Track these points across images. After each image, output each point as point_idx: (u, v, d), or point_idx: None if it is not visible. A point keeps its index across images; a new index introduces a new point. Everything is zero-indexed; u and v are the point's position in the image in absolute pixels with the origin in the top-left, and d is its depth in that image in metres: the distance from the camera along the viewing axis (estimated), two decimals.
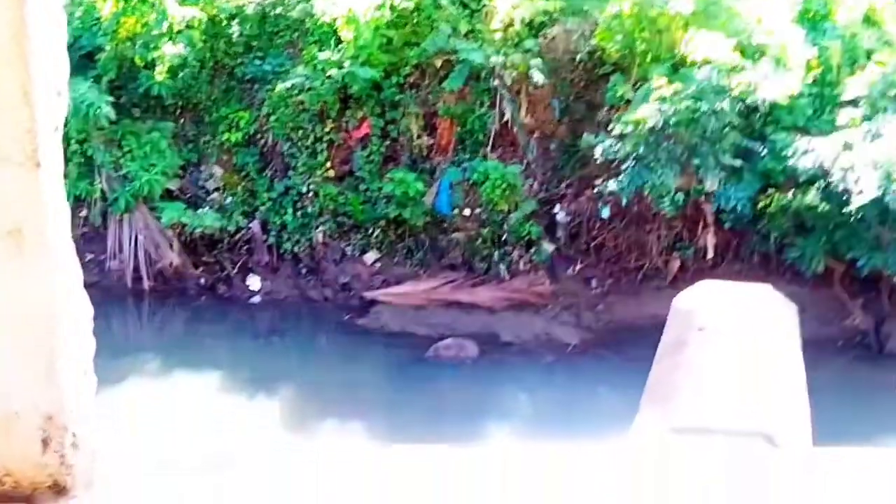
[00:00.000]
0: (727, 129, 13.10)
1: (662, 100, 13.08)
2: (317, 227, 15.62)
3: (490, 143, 15.42)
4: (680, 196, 13.21)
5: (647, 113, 13.03)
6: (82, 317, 1.89)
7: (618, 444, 2.93)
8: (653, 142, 13.14)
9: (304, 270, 15.55)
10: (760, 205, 13.50)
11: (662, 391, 3.51)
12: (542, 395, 11.94)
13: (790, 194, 13.10)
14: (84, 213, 16.12)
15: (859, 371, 12.75)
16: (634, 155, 13.20)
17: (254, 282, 15.45)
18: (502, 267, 14.98)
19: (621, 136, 13.39)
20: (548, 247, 15.03)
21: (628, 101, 14.27)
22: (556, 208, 15.21)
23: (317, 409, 11.08)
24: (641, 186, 13.41)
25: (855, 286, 13.72)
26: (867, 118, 13.09)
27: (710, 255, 14.28)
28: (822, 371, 12.64)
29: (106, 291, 15.33)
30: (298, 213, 15.64)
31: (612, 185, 13.67)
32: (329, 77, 14.95)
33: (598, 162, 14.54)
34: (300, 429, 10.51)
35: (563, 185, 15.35)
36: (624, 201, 13.77)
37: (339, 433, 10.47)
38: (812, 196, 12.80)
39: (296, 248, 15.56)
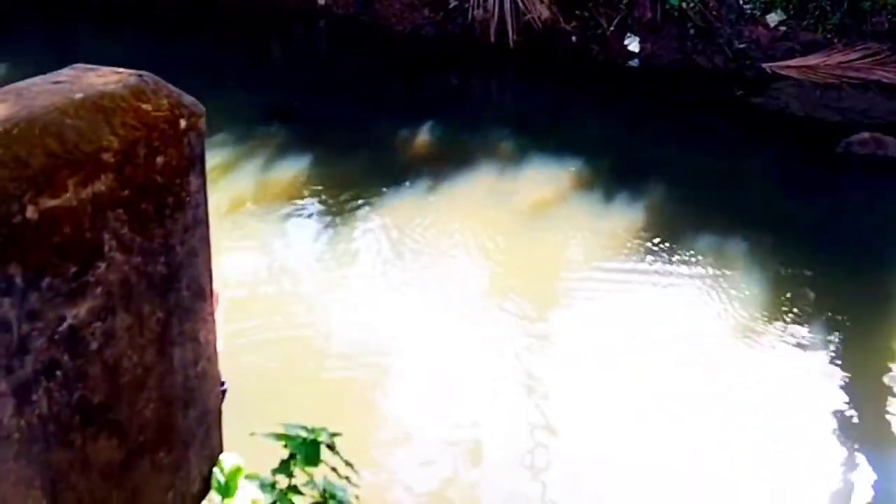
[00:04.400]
0: None
1: None
2: None
3: None
4: None
5: None
6: None
7: None
8: None
9: (691, 31, 13.71)
10: None
11: None
12: None
13: None
14: None
15: None
16: None
17: (632, 43, 14.01)
18: None
19: None
20: None
21: None
22: None
23: (688, 217, 9.66)
24: None
25: None
26: None
27: None
28: None
29: (469, 46, 14.62)
30: None
31: None
32: None
33: None
34: (667, 243, 9.28)
35: None
36: None
37: (713, 251, 9.11)
38: None
39: (684, 4, 13.73)
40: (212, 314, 3.41)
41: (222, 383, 4.90)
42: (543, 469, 6.71)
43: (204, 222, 3.35)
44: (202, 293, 3.34)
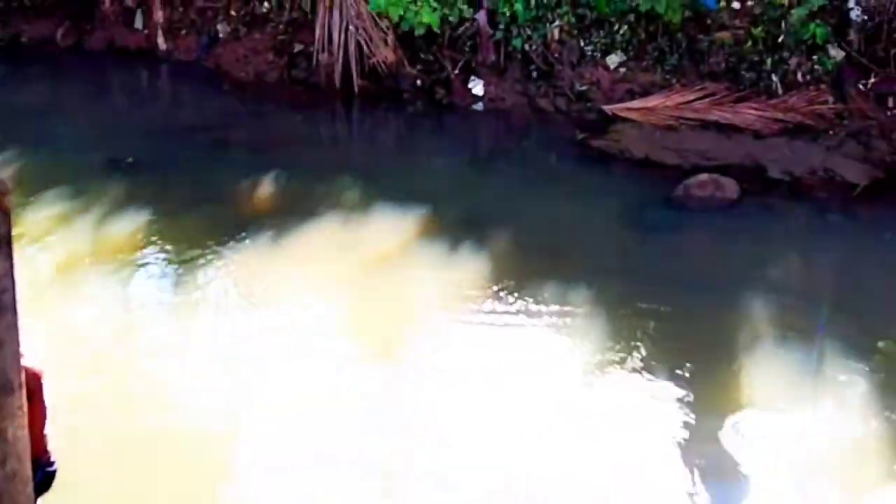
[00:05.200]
0: None
1: None
2: (552, 21, 14.08)
3: None
4: None
5: None
6: None
7: None
8: None
9: (534, 74, 13.97)
10: None
11: None
12: (820, 258, 10.10)
13: None
14: None
15: None
16: None
17: (476, 86, 14.12)
18: (775, 79, 12.97)
19: None
20: (835, 53, 12.90)
21: None
22: (851, 3, 12.97)
23: (533, 264, 9.66)
24: None
25: None
26: None
27: None
28: None
29: (314, 91, 14.62)
30: (532, 3, 14.12)
31: None
32: None
33: None
34: (511, 291, 9.30)
35: None
36: None
37: (555, 299, 9.24)
38: None
39: (526, 47, 13.96)
40: (21, 408, 3.31)
41: (51, 463, 4.73)
42: None
43: (11, 309, 3.25)
44: (9, 387, 3.24)
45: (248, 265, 9.79)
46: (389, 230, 10.44)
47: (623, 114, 13.20)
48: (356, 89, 14.38)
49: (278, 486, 6.87)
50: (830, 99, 12.78)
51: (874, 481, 6.99)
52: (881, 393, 7.87)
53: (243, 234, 10.32)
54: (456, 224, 10.52)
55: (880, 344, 8.59)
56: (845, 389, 7.97)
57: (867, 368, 8.19)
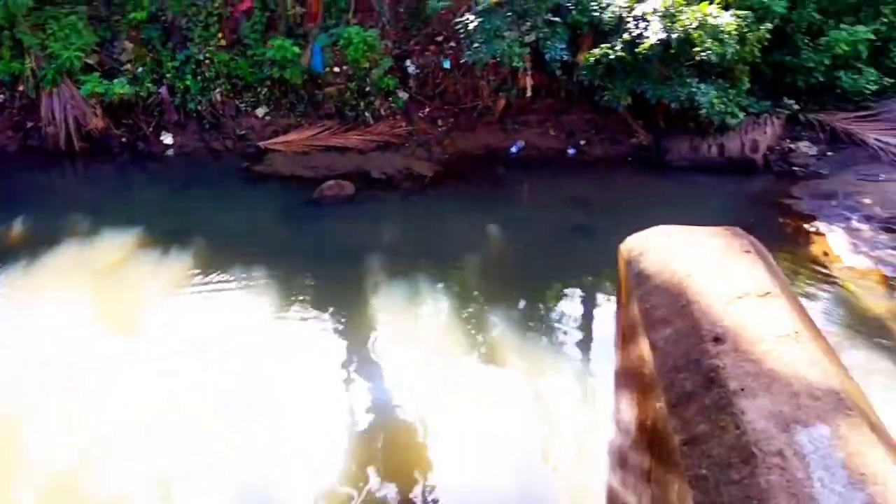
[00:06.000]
0: None
1: None
2: (214, 89, 13.46)
3: (351, 10, 13.41)
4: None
5: None
6: None
7: None
8: (497, 13, 11.61)
9: (207, 126, 13.31)
10: (576, 56, 12.09)
11: None
12: (407, 227, 10.20)
13: (599, 47, 11.62)
14: (21, 87, 13.73)
15: (644, 179, 11.75)
16: (482, 26, 11.65)
17: (167, 138, 13.28)
18: (367, 114, 13.15)
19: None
20: (403, 95, 13.29)
21: None
22: (408, 62, 13.41)
23: (225, 255, 9.18)
24: (495, 54, 11.70)
25: (637, 112, 12.57)
26: None
27: (529, 94, 12.85)
28: (618, 180, 11.65)
29: (45, 153, 13.20)
30: (198, 78, 13.41)
31: (468, 54, 12.01)
32: None
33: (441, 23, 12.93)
34: (212, 275, 8.79)
35: (412, 42, 13.54)
36: (480, 67, 12.23)
37: (245, 275, 8.83)
38: (618, 46, 11.39)
39: (199, 108, 13.33)
40: None
41: None
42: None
43: None
44: None
45: (10, 285, 8.69)
46: (115, 247, 9.61)
47: (272, 147, 12.89)
48: (77, 149, 13.13)
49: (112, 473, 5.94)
50: (404, 124, 13.12)
51: (472, 373, 7.01)
52: (457, 298, 8.21)
53: (2, 264, 9.14)
54: (164, 236, 9.84)
55: (451, 271, 8.92)
56: (435, 301, 8.23)
57: (446, 285, 8.54)
